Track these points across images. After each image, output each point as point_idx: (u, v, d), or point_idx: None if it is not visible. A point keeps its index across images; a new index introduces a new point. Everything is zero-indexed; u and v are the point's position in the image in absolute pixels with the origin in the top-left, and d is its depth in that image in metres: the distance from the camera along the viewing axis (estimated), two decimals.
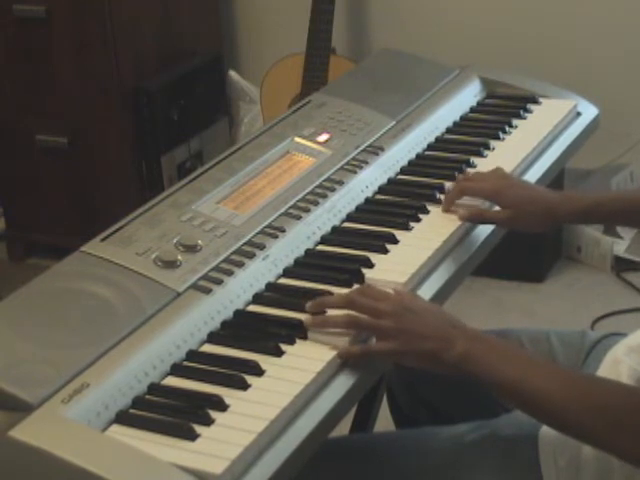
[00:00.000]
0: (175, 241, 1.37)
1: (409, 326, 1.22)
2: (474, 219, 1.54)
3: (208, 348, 1.25)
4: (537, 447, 1.30)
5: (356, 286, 1.35)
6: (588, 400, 1.17)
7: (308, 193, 1.55)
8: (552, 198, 1.54)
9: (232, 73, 3.59)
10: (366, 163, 1.66)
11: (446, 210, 1.56)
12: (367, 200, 1.61)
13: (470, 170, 1.70)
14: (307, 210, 1.51)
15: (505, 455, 1.32)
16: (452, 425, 1.40)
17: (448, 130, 1.88)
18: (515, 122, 1.90)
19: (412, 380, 1.63)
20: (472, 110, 1.97)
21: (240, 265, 1.36)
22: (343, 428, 1.81)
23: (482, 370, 1.21)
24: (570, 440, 1.27)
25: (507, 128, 1.87)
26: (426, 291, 1.40)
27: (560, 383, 1.19)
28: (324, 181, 1.59)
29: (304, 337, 1.26)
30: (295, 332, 1.26)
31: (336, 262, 1.43)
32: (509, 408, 1.47)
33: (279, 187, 1.55)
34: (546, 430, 1.31)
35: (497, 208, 1.56)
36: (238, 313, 1.31)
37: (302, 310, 1.30)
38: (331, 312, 1.28)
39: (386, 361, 1.29)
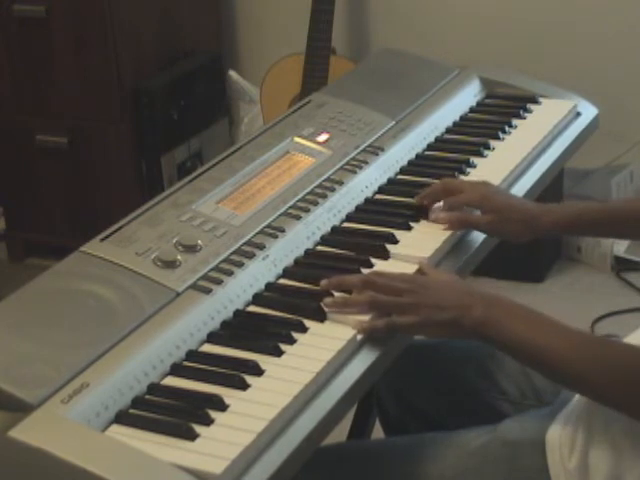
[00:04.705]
0: (175, 241, 1.37)
1: (427, 300, 1.28)
2: (458, 225, 1.52)
3: (208, 348, 1.25)
4: (544, 451, 1.29)
5: None
6: (605, 361, 1.21)
7: (308, 193, 1.55)
8: (534, 208, 1.55)
9: (232, 73, 3.59)
10: (366, 163, 1.66)
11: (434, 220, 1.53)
12: (367, 200, 1.61)
13: (462, 177, 1.68)
14: (307, 210, 1.51)
15: (511, 460, 1.31)
16: (455, 431, 1.39)
17: (448, 130, 1.88)
18: (515, 122, 1.90)
19: (401, 389, 1.63)
20: (472, 110, 1.97)
21: (240, 265, 1.36)
22: (342, 434, 1.80)
23: (500, 335, 1.25)
24: (577, 442, 1.27)
25: (507, 128, 1.87)
26: None
27: (579, 347, 1.23)
28: (324, 181, 1.59)
29: (305, 330, 1.27)
30: (295, 331, 1.26)
31: (336, 262, 1.43)
32: (506, 413, 1.46)
33: (279, 187, 1.55)
34: (552, 433, 1.30)
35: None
36: (238, 313, 1.31)
37: (302, 310, 1.30)
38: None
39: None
